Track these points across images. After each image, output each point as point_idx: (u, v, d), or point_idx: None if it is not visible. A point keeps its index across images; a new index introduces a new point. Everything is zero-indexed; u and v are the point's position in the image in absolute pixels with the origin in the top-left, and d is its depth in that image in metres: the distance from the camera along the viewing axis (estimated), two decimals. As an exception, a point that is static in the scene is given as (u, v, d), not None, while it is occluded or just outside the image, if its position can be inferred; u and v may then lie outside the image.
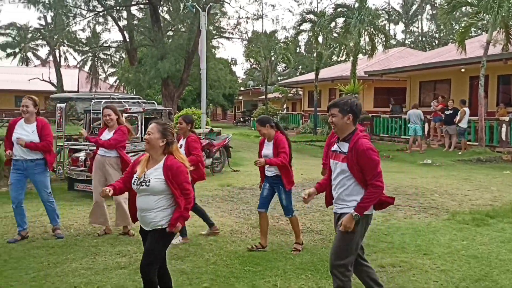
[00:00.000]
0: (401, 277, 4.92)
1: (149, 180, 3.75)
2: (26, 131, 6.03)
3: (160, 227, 3.78)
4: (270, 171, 5.78)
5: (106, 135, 6.40)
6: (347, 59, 26.54)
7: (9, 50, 59.37)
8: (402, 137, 19.88)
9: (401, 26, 59.67)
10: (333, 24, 25.29)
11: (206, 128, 15.81)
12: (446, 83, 21.55)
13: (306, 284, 4.72)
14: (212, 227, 6.46)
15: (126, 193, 4.09)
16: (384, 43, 23.97)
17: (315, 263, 5.29)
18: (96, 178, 6.47)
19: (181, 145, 6.07)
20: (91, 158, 6.95)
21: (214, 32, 25.39)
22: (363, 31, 21.98)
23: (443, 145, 17.37)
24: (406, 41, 56.23)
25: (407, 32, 59.48)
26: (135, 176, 3.85)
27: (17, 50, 59.31)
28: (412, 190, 9.79)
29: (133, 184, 3.83)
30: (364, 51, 28.76)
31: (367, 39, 23.98)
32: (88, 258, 5.48)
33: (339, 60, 41.57)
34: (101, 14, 24.19)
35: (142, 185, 3.75)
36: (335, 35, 26.36)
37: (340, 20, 24.67)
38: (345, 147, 3.72)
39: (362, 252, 3.96)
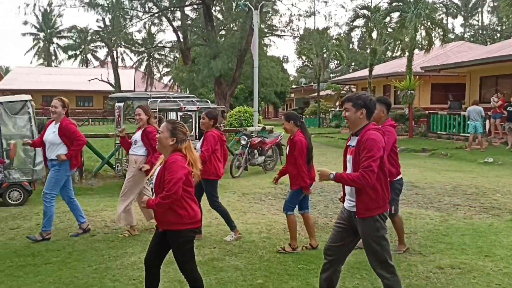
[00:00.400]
0: (460, 279, 4.75)
1: (153, 179, 3.79)
2: (49, 131, 6.25)
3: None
4: None
5: (136, 134, 6.53)
6: (402, 55, 25.91)
7: (70, 52, 62.31)
8: (461, 134, 19.11)
9: (460, 20, 57.56)
10: (387, 19, 24.72)
11: (258, 126, 15.89)
12: (509, 78, 20.53)
13: (361, 284, 4.65)
14: (234, 230, 6.27)
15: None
16: (442, 38, 23.15)
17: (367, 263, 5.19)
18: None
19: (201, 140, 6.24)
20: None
21: (266, 30, 25.43)
22: (420, 25, 21.31)
23: (506, 143, 16.58)
24: (465, 35, 54.11)
25: (466, 25, 57.22)
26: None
27: (77, 52, 62.10)
28: (472, 189, 9.42)
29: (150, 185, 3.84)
30: (420, 46, 27.92)
31: (423, 33, 23.30)
32: (146, 252, 5.64)
33: (394, 55, 40.63)
34: (156, 15, 24.78)
35: (150, 185, 3.76)
36: (390, 30, 25.75)
37: (395, 15, 24.08)
38: (354, 141, 3.73)
39: (343, 259, 3.93)
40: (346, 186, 3.81)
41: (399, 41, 25.95)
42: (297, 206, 5.84)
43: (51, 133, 6.20)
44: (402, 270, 4.98)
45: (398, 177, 5.41)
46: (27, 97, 9.06)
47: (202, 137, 6.22)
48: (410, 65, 21.92)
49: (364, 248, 3.80)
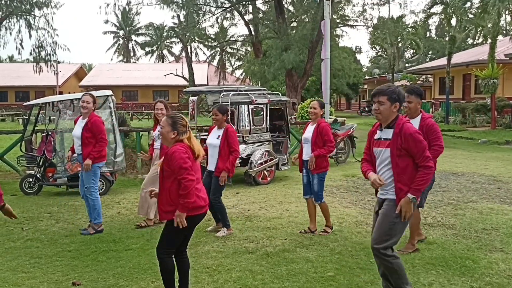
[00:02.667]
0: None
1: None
2: (78, 126, 6.39)
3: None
4: (306, 155, 6.04)
5: (157, 130, 6.58)
6: (484, 42, 24.48)
7: (147, 49, 64.96)
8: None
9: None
10: (468, 4, 23.47)
11: (330, 118, 15.72)
12: None
13: (436, 280, 4.50)
14: (218, 224, 6.27)
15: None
16: (529, 22, 21.64)
17: (446, 259, 5.01)
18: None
19: (218, 136, 6.10)
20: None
21: (338, 20, 25.03)
22: (504, 10, 20.01)
23: None
24: (556, 18, 50.04)
25: (557, 7, 52.93)
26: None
27: (154, 48, 64.56)
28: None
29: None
30: (504, 32, 26.22)
31: (508, 18, 21.83)
32: (218, 242, 5.81)
33: (474, 43, 38.50)
34: (228, 9, 25.20)
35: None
36: (471, 16, 24.41)
37: (477, 0, 22.79)
38: (389, 133, 3.78)
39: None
40: (380, 175, 3.85)
41: (480, 27, 24.50)
42: (308, 191, 6.12)
43: (80, 127, 6.29)
44: (482, 268, 4.76)
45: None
46: (109, 92, 9.55)
47: (221, 133, 6.08)
48: (493, 53, 20.69)
49: (376, 224, 3.86)
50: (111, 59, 72.29)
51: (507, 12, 20.74)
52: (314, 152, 5.91)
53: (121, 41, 68.78)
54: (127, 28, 67.34)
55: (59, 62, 45.79)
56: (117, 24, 66.81)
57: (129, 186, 9.80)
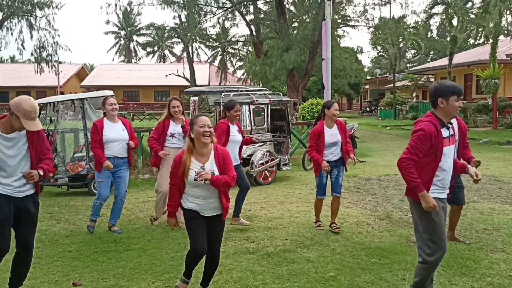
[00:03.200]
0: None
1: (212, 171, 3.90)
2: (115, 129, 6.39)
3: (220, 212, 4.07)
4: (336, 155, 6.16)
5: (175, 126, 6.61)
6: (485, 42, 24.47)
7: (148, 49, 65.01)
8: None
9: (551, 2, 53.18)
10: (469, 4, 23.46)
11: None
12: None
13: (437, 280, 4.48)
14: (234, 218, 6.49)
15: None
16: (530, 22, 21.61)
17: (447, 259, 4.99)
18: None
19: (237, 130, 6.56)
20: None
21: (339, 21, 25.01)
22: (505, 10, 19.98)
23: None
24: (558, 18, 49.95)
25: (559, 7, 52.84)
26: (194, 169, 3.91)
27: (155, 48, 64.60)
28: None
29: (191, 175, 3.90)
30: (506, 32, 26.20)
31: (509, 18, 21.81)
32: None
33: (476, 43, 38.47)
34: (229, 10, 25.20)
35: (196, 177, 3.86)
36: (472, 16, 24.38)
37: (478, 0, 22.77)
38: (452, 129, 3.82)
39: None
40: (448, 176, 3.79)
41: (482, 28, 24.47)
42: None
43: (120, 130, 6.32)
44: (483, 268, 4.75)
45: None
46: (109, 92, 9.54)
47: (236, 128, 6.51)
48: (494, 53, 20.65)
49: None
50: (113, 60, 72.49)
51: (508, 12, 20.71)
52: (349, 150, 6.24)
53: (122, 42, 68.87)
54: (129, 29, 67.43)
55: (60, 63, 45.72)
56: (119, 25, 66.91)
57: (129, 186, 9.78)
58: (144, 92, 51.17)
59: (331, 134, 6.09)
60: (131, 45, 69.31)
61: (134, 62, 66.55)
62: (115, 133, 6.24)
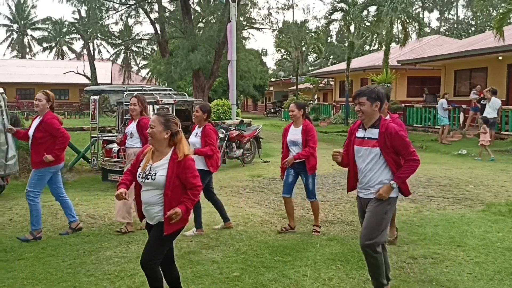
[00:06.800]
0: (433, 269, 4.84)
1: (155, 173, 3.60)
2: (33, 126, 6.07)
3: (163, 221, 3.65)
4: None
5: (130, 127, 6.37)
6: (379, 48, 26.14)
7: (45, 44, 61.15)
8: (436, 127, 19.42)
9: (435, 14, 58.32)
10: (365, 12, 24.91)
11: (236, 119, 15.87)
12: (483, 71, 20.91)
13: (336, 275, 4.70)
14: (226, 222, 6.42)
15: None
16: (418, 31, 23.46)
17: (345, 254, 5.26)
18: None
19: (196, 134, 6.19)
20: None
21: (244, 23, 25.35)
22: (396, 19, 21.52)
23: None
24: (441, 29, 54.82)
25: (442, 19, 57.97)
26: (139, 169, 3.69)
27: (53, 44, 60.95)
28: (446, 181, 9.59)
29: (138, 177, 3.68)
30: (397, 39, 28.25)
31: (400, 27, 23.54)
32: (121, 246, 5.61)
33: (371, 49, 40.95)
34: (133, 7, 24.49)
35: (148, 179, 3.60)
36: (367, 24, 25.92)
37: (373, 9, 24.26)
38: (374, 133, 3.90)
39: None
40: (360, 178, 4.03)
41: (376, 35, 26.11)
42: (289, 190, 6.24)
43: (35, 128, 5.94)
44: (377, 261, 5.05)
45: None
46: (0, 89, 8.85)
47: (200, 132, 6.11)
48: (387, 59, 22.15)
49: (365, 222, 3.99)
50: (4, 54, 67.26)
51: (399, 21, 22.30)
52: (301, 153, 5.98)
53: (15, 35, 64.05)
54: (22, 22, 62.80)
55: None
56: (11, 17, 62.17)
57: (22, 191, 9.12)
58: (40, 90, 48.04)
59: (292, 134, 6.14)
60: (25, 40, 64.72)
61: (29, 58, 62.18)
62: (30, 130, 6.03)
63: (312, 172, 6.04)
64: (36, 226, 5.95)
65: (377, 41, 26.09)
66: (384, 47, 22.93)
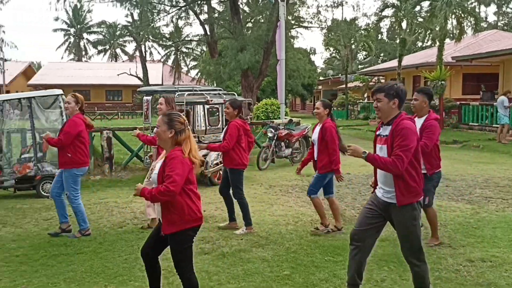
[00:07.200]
0: (492, 272, 4.66)
1: (153, 172, 3.63)
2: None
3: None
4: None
5: None
6: (433, 45, 25.35)
7: (100, 47, 63.45)
8: (494, 126, 18.63)
9: (493, 8, 55.87)
10: (417, 8, 24.26)
11: (285, 118, 15.85)
12: (544, 67, 19.89)
13: (388, 276, 4.61)
14: (232, 222, 6.40)
15: None
16: (474, 26, 22.57)
17: (398, 255, 5.12)
18: None
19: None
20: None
21: (293, 22, 25.26)
22: (450, 14, 20.81)
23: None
24: (499, 23, 52.54)
25: (500, 13, 55.54)
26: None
27: (107, 47, 63.12)
28: (505, 182, 9.20)
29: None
30: (451, 35, 27.28)
31: (454, 22, 22.70)
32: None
33: (424, 46, 39.84)
34: (183, 9, 24.93)
35: (150, 178, 3.58)
36: (420, 19, 25.23)
37: (426, 4, 23.60)
38: (387, 130, 3.72)
39: (369, 249, 3.92)
40: (379, 175, 3.83)
41: (429, 31, 25.38)
42: (322, 191, 6.10)
43: (60, 129, 6.14)
44: (431, 263, 4.91)
45: (438, 170, 5.42)
46: (59, 91, 9.25)
47: (226, 127, 6.23)
48: (441, 55, 21.45)
49: (399, 236, 3.81)
50: (62, 58, 70.10)
51: (453, 16, 21.56)
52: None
53: (72, 39, 66.81)
54: (79, 26, 65.45)
55: (5, 60, 43.84)
56: (68, 22, 64.87)
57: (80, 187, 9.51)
58: (95, 92, 49.89)
59: (315, 132, 6.14)
60: (81, 43, 67.39)
61: (85, 61, 64.68)
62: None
63: (322, 172, 5.94)
64: (84, 226, 6.16)
65: (430, 37, 25.33)
66: (438, 43, 22.22)
